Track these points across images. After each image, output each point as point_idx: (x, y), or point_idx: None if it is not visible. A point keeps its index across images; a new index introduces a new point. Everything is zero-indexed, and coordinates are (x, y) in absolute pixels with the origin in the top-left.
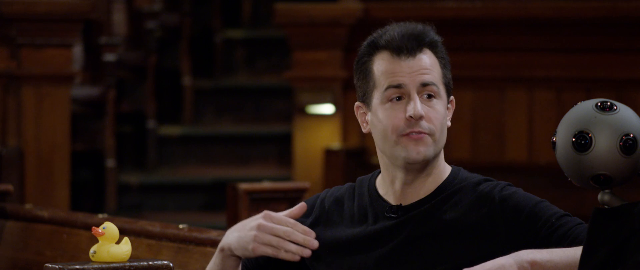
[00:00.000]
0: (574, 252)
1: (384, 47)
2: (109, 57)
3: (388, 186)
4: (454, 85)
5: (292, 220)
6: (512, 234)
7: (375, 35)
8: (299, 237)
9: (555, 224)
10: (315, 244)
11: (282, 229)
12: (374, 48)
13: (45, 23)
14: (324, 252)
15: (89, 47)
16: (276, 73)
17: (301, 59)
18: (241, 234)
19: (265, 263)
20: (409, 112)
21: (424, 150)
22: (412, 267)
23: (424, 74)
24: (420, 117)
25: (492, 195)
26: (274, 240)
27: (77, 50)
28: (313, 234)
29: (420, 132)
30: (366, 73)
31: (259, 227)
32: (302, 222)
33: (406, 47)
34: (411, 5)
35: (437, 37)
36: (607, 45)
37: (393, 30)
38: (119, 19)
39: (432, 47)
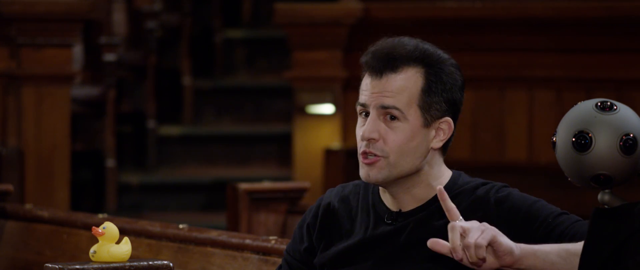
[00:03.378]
0: (570, 246)
1: (364, 63)
2: (109, 57)
3: (385, 192)
4: None
5: None
6: (509, 236)
7: (370, 46)
8: None
9: (552, 223)
10: None
11: None
12: (362, 61)
13: (45, 23)
14: (330, 260)
15: (89, 47)
16: (276, 73)
17: (301, 59)
18: None
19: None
20: (362, 132)
21: (374, 174)
22: None
23: (385, 96)
24: (368, 140)
25: (487, 198)
26: None
27: (77, 50)
28: None
29: (369, 154)
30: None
31: None
32: (310, 231)
33: (374, 67)
34: (411, 5)
35: (428, 55)
36: (607, 45)
37: (375, 47)
38: (119, 19)
39: (422, 65)
